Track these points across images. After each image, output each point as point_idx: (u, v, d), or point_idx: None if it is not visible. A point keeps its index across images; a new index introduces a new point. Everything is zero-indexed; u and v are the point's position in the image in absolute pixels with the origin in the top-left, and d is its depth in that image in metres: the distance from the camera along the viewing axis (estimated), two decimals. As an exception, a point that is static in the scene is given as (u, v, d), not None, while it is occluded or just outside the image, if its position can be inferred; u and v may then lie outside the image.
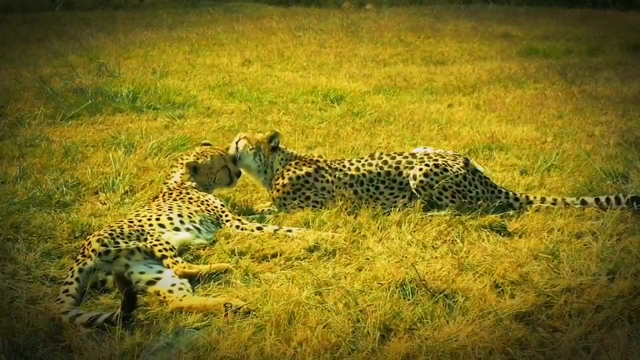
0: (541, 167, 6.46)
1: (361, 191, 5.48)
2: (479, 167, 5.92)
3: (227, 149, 5.73)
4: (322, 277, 4.24)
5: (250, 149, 5.66)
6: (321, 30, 17.01)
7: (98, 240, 4.27)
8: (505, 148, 7.18)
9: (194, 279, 4.25)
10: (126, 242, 4.34)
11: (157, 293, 4.07)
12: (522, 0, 25.04)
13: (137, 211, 5.06)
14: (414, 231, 4.97)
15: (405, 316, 3.75)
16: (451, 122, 8.48)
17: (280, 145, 5.75)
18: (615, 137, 7.32)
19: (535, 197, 5.44)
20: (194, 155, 5.58)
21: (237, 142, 5.72)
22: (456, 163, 5.43)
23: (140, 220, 4.68)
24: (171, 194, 5.24)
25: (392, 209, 5.33)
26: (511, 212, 5.28)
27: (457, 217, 5.12)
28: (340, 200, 5.40)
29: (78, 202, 5.72)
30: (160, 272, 4.24)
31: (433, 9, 22.16)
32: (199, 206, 5.10)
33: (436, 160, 5.43)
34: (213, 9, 22.56)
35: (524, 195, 5.47)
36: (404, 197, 5.44)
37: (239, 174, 5.69)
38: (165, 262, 4.32)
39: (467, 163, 5.48)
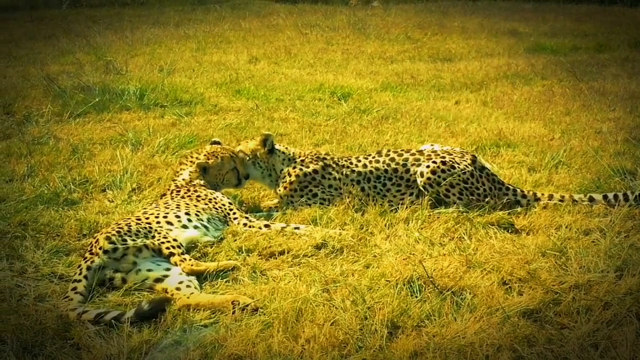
0: (549, 164, 6.44)
1: (368, 188, 5.48)
2: (487, 164, 5.91)
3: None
4: (329, 274, 4.25)
5: (248, 160, 5.67)
6: (328, 28, 16.99)
7: (106, 238, 4.28)
8: (512, 145, 7.16)
9: (201, 277, 4.26)
10: (134, 240, 4.35)
11: (165, 290, 4.08)
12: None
13: (144, 208, 5.07)
14: (422, 228, 4.97)
15: (413, 313, 3.75)
16: (458, 119, 8.46)
17: (277, 146, 5.73)
18: (623, 134, 7.29)
19: (542, 194, 5.42)
20: (205, 155, 5.58)
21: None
22: (463, 160, 5.42)
23: (147, 218, 4.69)
24: (179, 191, 5.24)
25: (400, 206, 5.32)
26: (518, 209, 5.26)
27: (464, 214, 5.11)
28: (348, 197, 5.40)
29: (86, 200, 5.74)
30: (167, 269, 4.25)
31: (440, 5, 22.09)
32: (206, 204, 5.10)
33: (443, 157, 5.42)
34: (220, 6, 22.55)
35: (531, 192, 5.45)
36: (411, 194, 5.43)
37: (247, 177, 5.69)
38: (172, 259, 4.33)
39: (474, 160, 5.47)
